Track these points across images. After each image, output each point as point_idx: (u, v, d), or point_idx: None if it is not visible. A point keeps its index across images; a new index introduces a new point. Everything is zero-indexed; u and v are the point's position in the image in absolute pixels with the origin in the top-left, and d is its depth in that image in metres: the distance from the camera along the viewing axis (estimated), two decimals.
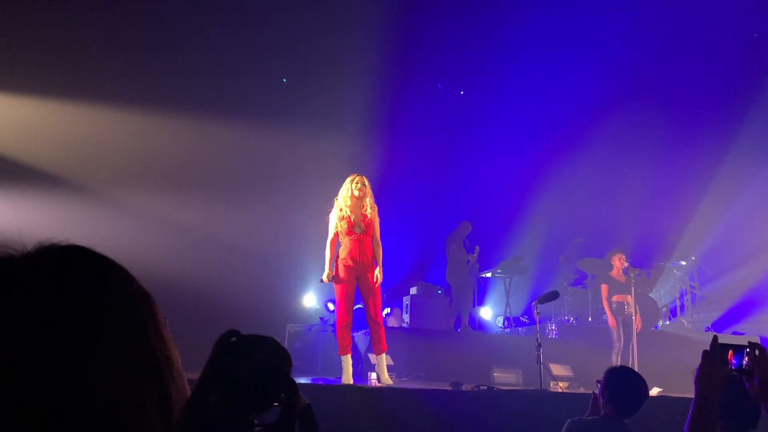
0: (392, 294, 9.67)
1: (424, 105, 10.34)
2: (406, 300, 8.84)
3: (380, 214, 10.74)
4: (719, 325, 10.30)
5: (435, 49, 10.09)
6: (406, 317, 8.72)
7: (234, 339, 1.87)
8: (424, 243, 10.52)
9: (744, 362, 1.73)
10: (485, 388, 5.62)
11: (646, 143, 10.66)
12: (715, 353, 1.74)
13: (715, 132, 10.50)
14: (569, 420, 3.13)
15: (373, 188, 10.37)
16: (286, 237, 9.64)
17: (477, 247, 9.23)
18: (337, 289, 5.49)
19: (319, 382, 6.03)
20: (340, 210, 5.45)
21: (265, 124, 9.18)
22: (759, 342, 1.78)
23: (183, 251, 8.62)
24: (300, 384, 5.44)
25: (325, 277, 5.48)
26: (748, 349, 1.73)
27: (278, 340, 1.96)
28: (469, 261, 9.18)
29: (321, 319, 9.26)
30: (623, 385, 3.12)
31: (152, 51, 8.73)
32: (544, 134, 10.68)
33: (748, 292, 10.57)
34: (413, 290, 8.89)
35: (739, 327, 10.24)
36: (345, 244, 5.44)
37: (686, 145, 10.72)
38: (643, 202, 10.93)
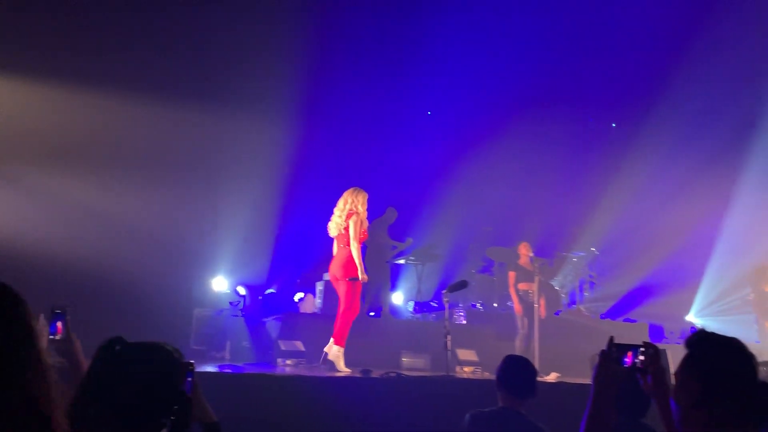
0: (306, 279, 9.62)
1: (340, 92, 10.27)
2: (319, 285, 8.80)
3: (294, 199, 10.69)
4: (613, 313, 10.99)
5: (354, 38, 10.05)
6: (318, 302, 8.70)
7: (117, 348, 1.66)
8: None
9: (638, 360, 1.86)
10: (394, 374, 5.72)
11: (555, 140, 11.21)
12: (611, 353, 1.86)
13: (617, 132, 11.15)
14: (469, 414, 3.24)
15: (286, 174, 10.31)
16: (196, 220, 9.36)
17: (410, 239, 9.44)
18: (358, 287, 6.43)
19: (227, 370, 5.93)
20: (362, 223, 6.39)
21: (175, 104, 8.79)
22: (650, 340, 1.92)
23: (87, 234, 8.18)
24: (206, 372, 5.30)
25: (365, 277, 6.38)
26: (642, 348, 1.86)
27: (170, 348, 1.75)
28: (395, 247, 9.35)
29: (231, 303, 9.07)
30: (509, 369, 3.29)
31: (57, 17, 8.13)
32: (457, 126, 10.93)
33: (640, 283, 11.35)
34: (326, 276, 8.87)
35: (631, 314, 10.97)
36: (360, 250, 6.39)
37: (591, 143, 11.34)
38: (549, 195, 11.46)
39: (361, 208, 6.40)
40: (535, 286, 8.06)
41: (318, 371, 6.29)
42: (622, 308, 11.20)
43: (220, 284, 9.62)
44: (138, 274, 8.30)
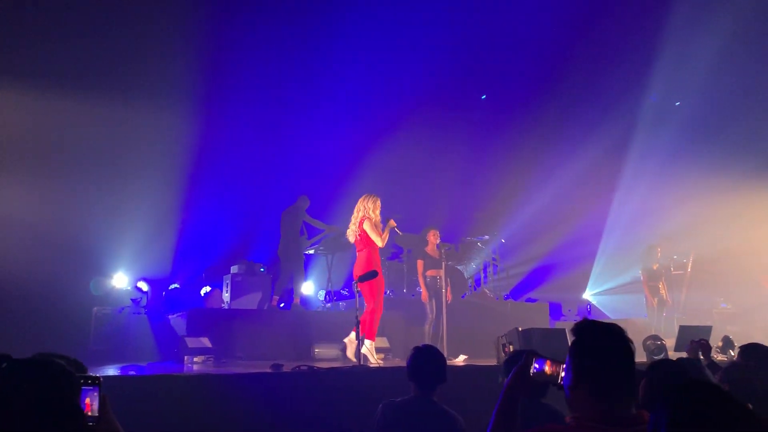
0: (212, 273, 9.37)
1: (246, 82, 10.02)
2: (226, 279, 8.61)
3: (201, 191, 10.34)
4: (516, 293, 11.50)
5: (260, 26, 9.80)
6: (226, 297, 8.51)
7: (3, 365, 1.58)
8: (245, 220, 10.31)
9: (550, 368, 1.96)
10: (306, 368, 5.68)
11: (459, 132, 11.57)
12: (528, 367, 1.95)
13: (515, 127, 11.68)
14: (381, 404, 3.28)
15: (191, 165, 9.96)
16: (94, 214, 8.88)
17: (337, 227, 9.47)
18: (379, 283, 6.71)
19: (131, 372, 5.68)
20: (377, 226, 6.79)
21: (69, 96, 8.24)
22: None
23: None
24: (108, 376, 5.03)
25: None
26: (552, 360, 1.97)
27: (63, 362, 1.68)
28: (312, 236, 9.39)
29: (132, 300, 8.70)
30: (419, 360, 3.34)
31: None
32: (367, 117, 10.97)
33: (538, 264, 11.96)
34: (234, 269, 8.68)
35: (532, 294, 11.53)
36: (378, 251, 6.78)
37: (492, 135, 11.78)
38: (454, 183, 11.80)
39: (373, 214, 6.84)
40: (443, 273, 8.26)
41: (227, 368, 6.16)
42: (523, 289, 11.75)
43: (122, 281, 9.20)
44: (33, 272, 7.82)
